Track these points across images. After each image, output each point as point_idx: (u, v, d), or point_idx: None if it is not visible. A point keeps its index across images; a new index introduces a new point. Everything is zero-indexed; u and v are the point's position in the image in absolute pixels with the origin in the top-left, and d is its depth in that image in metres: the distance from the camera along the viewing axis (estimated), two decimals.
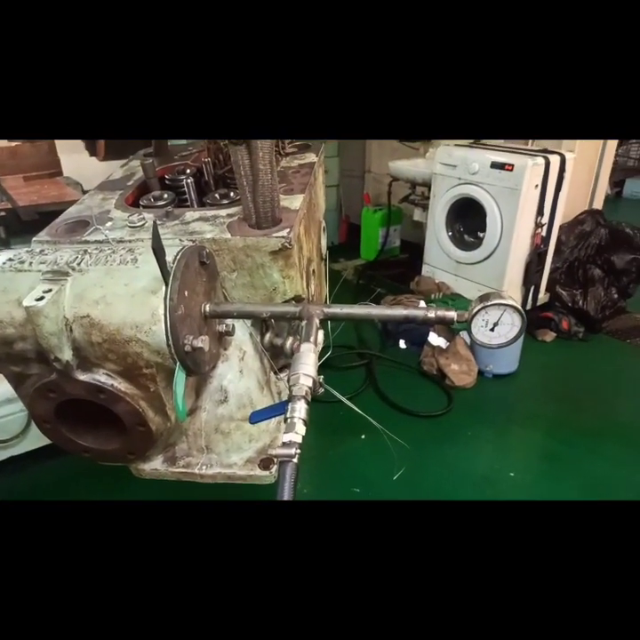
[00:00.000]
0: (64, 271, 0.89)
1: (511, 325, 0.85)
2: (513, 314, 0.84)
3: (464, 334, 2.86)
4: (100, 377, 0.91)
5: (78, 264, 0.91)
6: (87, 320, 0.85)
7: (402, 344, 3.12)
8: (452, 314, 0.87)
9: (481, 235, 2.98)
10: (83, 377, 0.90)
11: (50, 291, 0.85)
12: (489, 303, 0.84)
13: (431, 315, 0.88)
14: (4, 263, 0.94)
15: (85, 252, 0.94)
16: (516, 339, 0.85)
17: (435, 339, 2.87)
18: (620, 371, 2.94)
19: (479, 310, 0.85)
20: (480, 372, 2.80)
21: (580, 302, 3.14)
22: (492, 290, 2.90)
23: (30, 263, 0.93)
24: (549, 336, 3.14)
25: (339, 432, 2.41)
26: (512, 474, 2.20)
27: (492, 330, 0.86)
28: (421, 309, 0.89)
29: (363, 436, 2.38)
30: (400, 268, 3.92)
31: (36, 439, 2.10)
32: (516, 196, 2.73)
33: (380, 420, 1.29)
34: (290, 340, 1.15)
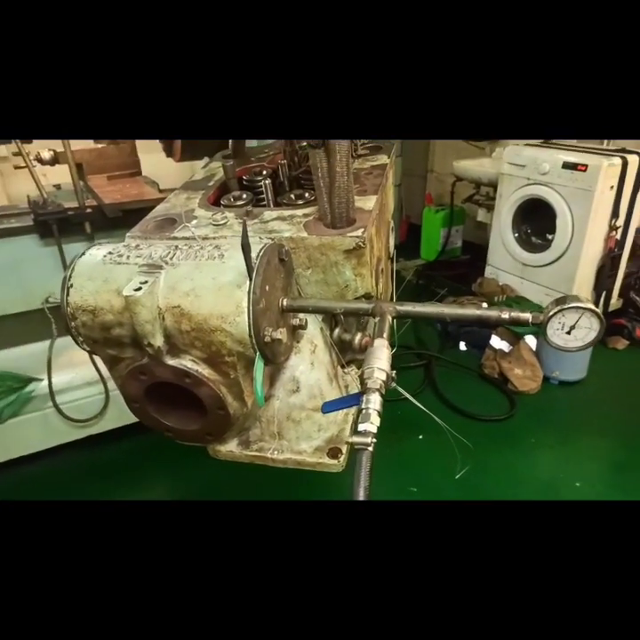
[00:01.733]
0: (158, 265, 0.97)
1: (589, 329, 0.84)
2: (591, 317, 0.84)
3: (528, 339, 2.78)
4: (187, 363, 0.98)
5: (171, 258, 0.98)
6: (178, 310, 0.93)
7: (462, 346, 3.08)
8: (527, 315, 0.87)
9: (549, 237, 2.89)
10: (171, 362, 0.98)
11: (146, 282, 0.93)
12: (566, 306, 0.84)
13: (505, 316, 0.89)
14: (104, 256, 1.03)
15: (176, 247, 1.02)
16: (593, 343, 0.85)
17: (497, 342, 2.82)
18: None
19: (556, 313, 0.85)
20: (546, 379, 2.72)
21: None
22: (560, 293, 2.81)
23: (128, 257, 1.02)
24: (621, 344, 3.00)
25: (397, 431, 2.42)
26: (578, 484, 2.13)
27: (568, 333, 0.86)
28: (494, 310, 0.90)
29: (420, 437, 2.38)
30: (461, 269, 3.86)
31: (113, 420, 2.27)
32: (588, 197, 2.63)
33: (448, 426, 1.29)
34: (358, 336, 1.19)
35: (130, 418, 1.16)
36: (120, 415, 2.23)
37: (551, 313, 0.85)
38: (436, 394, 2.67)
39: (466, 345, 3.06)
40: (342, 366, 1.28)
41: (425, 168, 4.47)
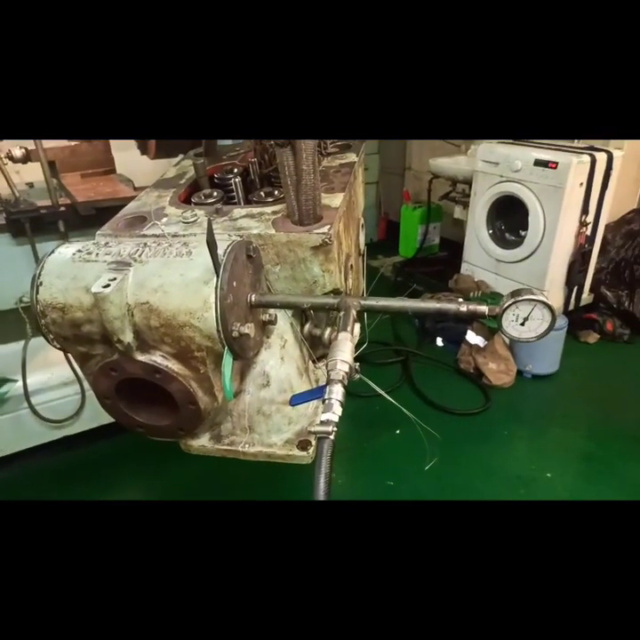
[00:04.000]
0: (127, 262, 0.98)
1: (541, 320, 0.88)
2: (543, 309, 0.88)
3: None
4: (157, 358, 1.00)
5: (139, 256, 1.00)
6: (147, 306, 0.95)
7: (439, 342, 3.13)
8: (484, 308, 0.91)
9: (522, 233, 2.96)
10: (141, 358, 1.00)
11: (115, 279, 0.94)
12: (520, 298, 0.88)
13: (463, 309, 0.92)
14: (73, 254, 1.04)
15: (145, 245, 1.03)
16: (545, 333, 0.89)
17: (472, 337, 2.87)
18: None
19: (510, 305, 0.88)
20: (519, 372, 2.78)
21: (626, 303, 3.07)
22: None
23: (97, 254, 1.03)
24: (593, 337, 3.08)
25: (374, 426, 2.46)
26: (549, 474, 2.19)
27: (522, 324, 0.89)
28: (453, 303, 0.93)
29: (397, 431, 2.42)
30: (439, 266, 3.91)
31: (89, 421, 2.26)
32: (559, 194, 2.70)
33: (415, 416, 1.33)
34: (328, 331, 1.22)
35: (106, 418, 1.17)
36: (96, 415, 2.22)
37: (506, 305, 0.89)
38: (413, 389, 2.71)
39: (442, 341, 3.12)
40: (313, 361, 1.30)
41: (402, 166, 4.52)
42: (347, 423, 2.57)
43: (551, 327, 0.87)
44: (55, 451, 2.26)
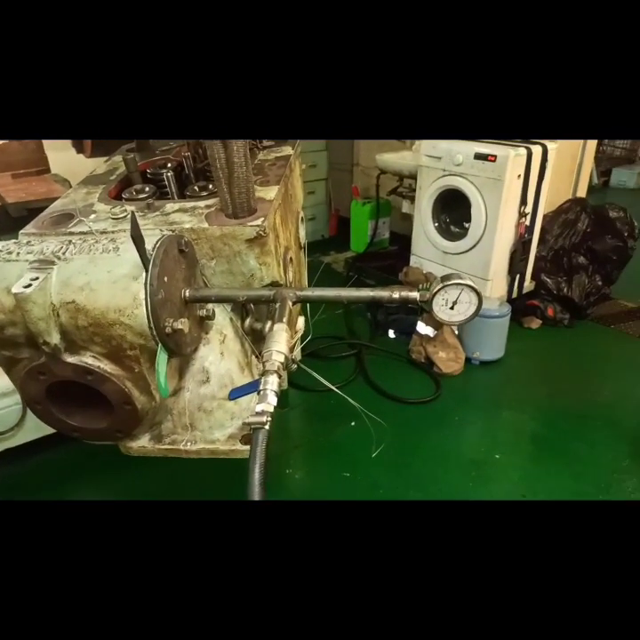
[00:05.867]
0: (50, 260, 0.95)
1: (469, 303, 0.91)
2: (470, 293, 0.90)
3: None
4: (87, 359, 0.96)
5: (63, 253, 0.96)
6: (73, 305, 0.91)
7: (391, 334, 3.18)
8: (415, 294, 0.93)
9: (466, 225, 3.04)
10: (71, 359, 0.96)
11: (37, 278, 0.90)
12: (448, 283, 0.90)
13: (395, 295, 0.94)
14: None
15: (70, 242, 0.99)
16: (473, 316, 0.91)
17: (423, 328, 2.93)
18: (604, 355, 3.01)
19: (439, 290, 0.91)
20: (467, 360, 2.86)
21: (565, 290, 3.21)
22: (479, 279, 2.97)
23: (17, 253, 0.98)
24: (535, 323, 3.21)
25: (329, 420, 2.47)
26: (497, 456, 2.27)
27: (451, 308, 0.92)
28: (386, 291, 0.95)
29: (353, 423, 2.44)
30: (389, 260, 3.97)
31: (32, 431, 2.16)
32: (499, 186, 2.79)
33: (370, 408, 1.33)
34: (268, 325, 1.21)
35: (50, 428, 1.12)
36: (40, 425, 2.11)
37: (435, 290, 0.91)
38: (368, 381, 2.74)
39: (394, 332, 3.17)
40: (256, 356, 1.29)
41: (351, 162, 4.55)
42: (302, 418, 2.59)
43: (478, 309, 0.90)
44: None
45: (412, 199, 3.56)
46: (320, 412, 2.52)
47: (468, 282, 0.89)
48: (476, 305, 0.90)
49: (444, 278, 0.92)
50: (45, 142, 2.52)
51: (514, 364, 2.90)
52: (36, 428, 2.15)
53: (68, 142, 2.11)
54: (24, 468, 2.21)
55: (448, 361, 2.80)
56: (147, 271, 0.90)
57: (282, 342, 0.89)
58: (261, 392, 0.82)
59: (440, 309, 0.92)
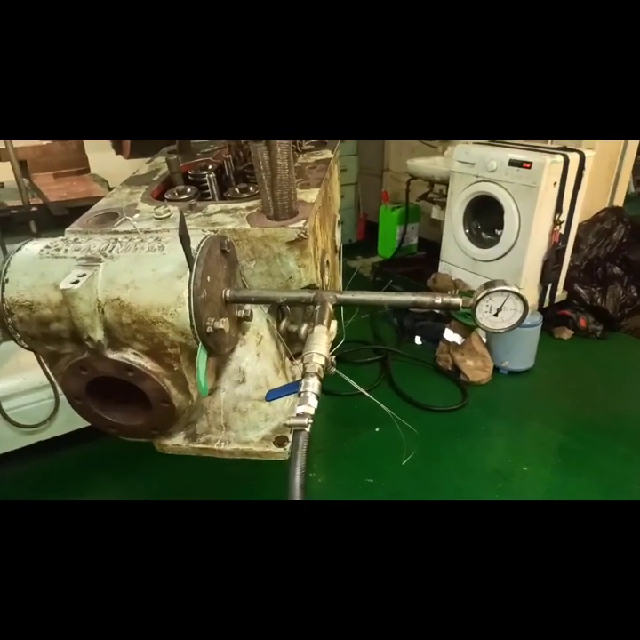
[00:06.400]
0: (97, 257, 0.96)
1: (514, 311, 0.89)
2: (516, 300, 0.89)
3: (480, 331, 2.88)
4: (129, 356, 0.98)
5: (109, 251, 0.98)
6: (117, 302, 0.93)
7: (417, 340, 3.15)
8: (458, 300, 0.92)
9: (498, 232, 3.00)
10: (113, 356, 0.97)
11: (84, 275, 0.92)
12: (493, 289, 0.89)
13: (438, 301, 0.93)
14: (41, 250, 1.01)
15: (116, 240, 1.01)
16: (518, 324, 0.90)
17: (450, 335, 2.90)
18: (637, 368, 2.93)
19: (483, 296, 0.89)
20: (496, 369, 2.82)
21: (599, 300, 3.13)
22: None
23: (65, 250, 1.00)
24: (567, 334, 3.14)
25: (354, 425, 2.46)
26: (525, 468, 2.22)
27: (495, 315, 0.90)
28: (428, 296, 0.94)
29: (377, 429, 2.43)
30: (417, 266, 3.94)
31: (63, 425, 2.21)
32: (533, 193, 2.74)
33: (394, 414, 1.32)
34: (304, 327, 1.21)
35: (81, 422, 1.13)
36: (70, 420, 2.17)
37: (479, 296, 0.89)
38: (393, 387, 2.73)
39: (421, 339, 3.14)
40: (290, 358, 1.29)
41: (381, 167, 4.54)
42: (326, 422, 2.58)
43: (524, 317, 0.88)
44: (29, 456, 2.20)
45: (443, 205, 3.53)
46: (344, 417, 2.51)
47: (514, 288, 0.88)
48: (521, 312, 0.89)
49: (489, 285, 0.90)
50: (86, 143, 2.58)
51: (543, 375, 2.84)
52: (66, 423, 2.20)
53: (107, 144, 2.16)
54: (53, 460, 2.26)
55: (475, 369, 2.76)
56: (191, 270, 0.91)
57: (322, 345, 0.88)
58: (302, 394, 0.82)
59: (483, 316, 0.91)
